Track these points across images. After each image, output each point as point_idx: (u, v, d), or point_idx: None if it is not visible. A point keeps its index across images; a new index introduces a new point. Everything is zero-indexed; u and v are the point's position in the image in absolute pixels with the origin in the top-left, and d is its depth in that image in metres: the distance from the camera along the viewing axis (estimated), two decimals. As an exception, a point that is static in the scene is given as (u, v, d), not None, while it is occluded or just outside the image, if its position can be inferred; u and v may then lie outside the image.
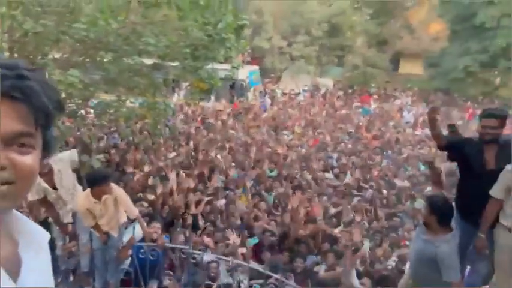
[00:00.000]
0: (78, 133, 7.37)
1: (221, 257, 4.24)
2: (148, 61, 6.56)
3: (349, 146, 9.96)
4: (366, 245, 5.00)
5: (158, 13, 6.10)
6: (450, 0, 20.35)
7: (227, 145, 8.50)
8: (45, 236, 0.79)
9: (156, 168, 6.57)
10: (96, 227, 4.01)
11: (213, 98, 12.80)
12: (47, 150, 0.70)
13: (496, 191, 2.91)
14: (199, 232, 5.13)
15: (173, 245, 4.33)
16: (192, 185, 5.95)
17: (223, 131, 9.84)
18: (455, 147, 3.25)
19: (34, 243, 0.74)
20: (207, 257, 4.32)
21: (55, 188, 4.20)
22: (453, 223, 3.01)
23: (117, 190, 4.07)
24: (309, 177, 7.33)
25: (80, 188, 4.36)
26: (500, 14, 18.17)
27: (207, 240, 4.81)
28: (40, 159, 0.68)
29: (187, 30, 5.68)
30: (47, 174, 4.02)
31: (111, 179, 4.05)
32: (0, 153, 0.61)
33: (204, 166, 6.96)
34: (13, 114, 0.62)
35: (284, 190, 6.46)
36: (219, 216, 5.63)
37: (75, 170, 4.43)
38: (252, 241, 4.96)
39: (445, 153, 3.44)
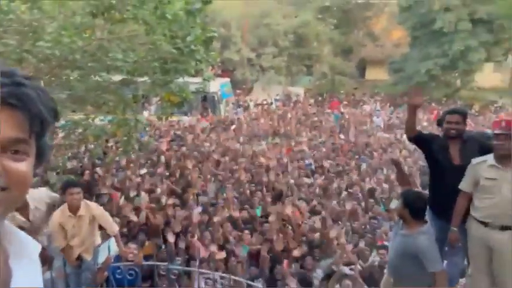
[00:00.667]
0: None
1: (204, 271, 4.16)
2: (117, 77, 6.46)
3: (324, 150, 10.11)
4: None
5: (125, 28, 6.04)
6: (410, 7, 21.24)
7: (201, 159, 8.45)
8: (36, 247, 0.77)
9: (132, 187, 6.43)
10: (66, 250, 3.84)
11: (189, 114, 12.76)
12: (40, 158, 0.70)
13: (464, 185, 3.03)
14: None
15: (151, 263, 4.21)
16: (168, 200, 5.85)
17: (197, 144, 9.80)
18: (423, 140, 3.38)
19: (25, 254, 0.72)
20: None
21: (29, 221, 4.01)
22: (428, 218, 3.10)
23: (95, 208, 3.99)
24: (292, 181, 7.37)
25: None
26: (457, 19, 19.17)
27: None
28: (33, 167, 0.68)
29: (155, 44, 5.64)
30: (22, 209, 3.84)
31: (81, 186, 3.97)
32: None
33: (177, 182, 6.90)
34: (9, 120, 0.62)
35: (264, 201, 6.47)
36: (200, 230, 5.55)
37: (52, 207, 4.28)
38: (245, 249, 4.92)
39: (418, 153, 3.57)
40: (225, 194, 6.59)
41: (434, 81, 20.84)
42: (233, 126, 12.59)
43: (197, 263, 4.45)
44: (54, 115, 0.69)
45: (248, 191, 6.93)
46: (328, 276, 4.33)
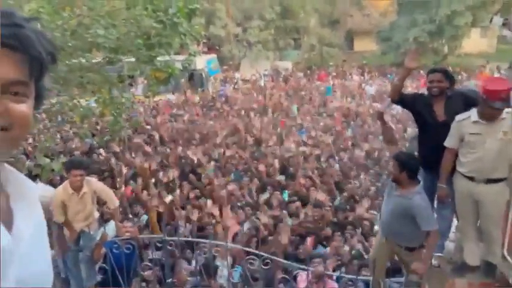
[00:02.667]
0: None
1: (202, 240, 4.22)
2: (100, 57, 6.32)
3: (321, 124, 10.16)
4: None
5: (105, 5, 5.86)
6: (395, -26, 20.93)
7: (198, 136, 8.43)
8: (35, 188, 0.79)
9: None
10: (66, 223, 3.89)
11: (175, 92, 12.64)
12: (38, 100, 0.70)
13: (449, 141, 3.09)
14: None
15: (146, 236, 4.27)
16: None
17: (191, 121, 9.80)
18: (407, 101, 3.42)
19: (25, 195, 0.74)
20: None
21: None
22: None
23: (96, 183, 4.07)
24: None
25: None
26: (443, -17, 18.95)
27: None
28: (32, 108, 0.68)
29: (137, 19, 5.50)
30: None
31: (86, 167, 3.99)
32: None
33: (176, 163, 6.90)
34: (9, 62, 0.62)
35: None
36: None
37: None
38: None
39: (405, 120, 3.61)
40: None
41: (422, 49, 20.76)
42: (219, 104, 12.50)
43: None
44: (52, 58, 0.69)
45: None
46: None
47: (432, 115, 3.24)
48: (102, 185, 4.11)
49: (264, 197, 5.98)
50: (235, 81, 17.57)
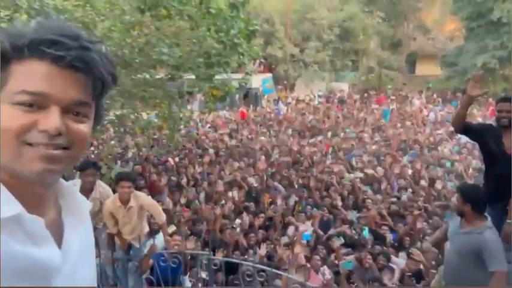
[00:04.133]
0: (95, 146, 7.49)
1: (246, 262, 4.15)
2: (163, 73, 6.65)
3: (374, 147, 9.80)
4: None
5: (171, 25, 6.18)
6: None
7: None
8: (87, 205, 0.81)
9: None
10: (118, 234, 4.04)
11: (227, 108, 12.95)
12: (97, 119, 0.73)
13: (520, 175, 2.80)
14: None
15: (193, 251, 4.29)
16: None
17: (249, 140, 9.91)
18: (473, 131, 3.18)
19: (76, 210, 0.76)
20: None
21: None
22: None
23: (144, 197, 4.17)
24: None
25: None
26: (517, 8, 17.74)
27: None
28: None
29: (199, 39, 5.73)
30: (86, 192, 4.03)
31: (135, 180, 4.14)
32: (60, 120, 0.63)
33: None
34: (74, 83, 0.65)
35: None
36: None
37: None
38: (347, 264, 4.48)
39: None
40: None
41: (491, 75, 19.46)
42: (271, 122, 12.52)
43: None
44: (113, 79, 0.71)
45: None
46: None
47: (501, 147, 3.00)
48: (150, 200, 4.21)
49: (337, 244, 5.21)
50: (289, 101, 17.58)
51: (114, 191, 4.24)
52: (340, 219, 5.90)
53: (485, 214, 2.93)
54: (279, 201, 6.38)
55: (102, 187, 4.30)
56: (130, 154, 8.04)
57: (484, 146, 3.18)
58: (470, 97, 3.09)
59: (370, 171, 7.82)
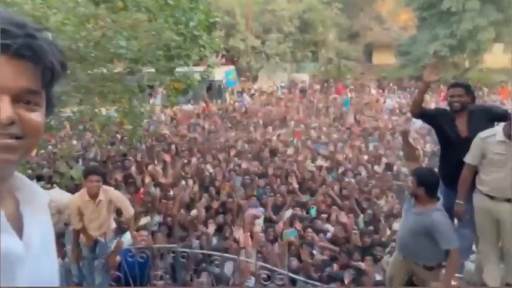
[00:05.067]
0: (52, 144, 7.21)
1: (212, 252, 4.21)
2: (121, 67, 6.48)
3: (335, 136, 10.07)
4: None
5: (127, 17, 6.03)
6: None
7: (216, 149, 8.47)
8: (45, 195, 0.79)
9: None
10: (83, 230, 3.96)
11: (192, 102, 12.81)
12: (48, 108, 0.71)
13: (469, 158, 3.02)
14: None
15: (160, 245, 4.29)
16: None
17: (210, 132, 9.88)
18: (429, 116, 3.36)
19: (34, 202, 0.75)
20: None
21: None
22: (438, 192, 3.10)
23: (113, 191, 4.11)
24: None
25: None
26: (465, -3, 18.71)
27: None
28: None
29: (158, 31, 5.64)
30: None
31: (102, 174, 4.09)
32: (11, 109, 0.62)
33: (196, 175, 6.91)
34: (22, 72, 0.63)
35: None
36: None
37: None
38: (291, 233, 4.86)
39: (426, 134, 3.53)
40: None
41: (442, 63, 20.48)
42: (237, 114, 12.56)
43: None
44: (63, 67, 0.71)
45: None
46: None
47: (455, 131, 3.17)
48: (118, 194, 4.15)
49: (288, 214, 5.81)
50: (252, 92, 17.66)
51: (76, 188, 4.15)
52: (293, 202, 6.21)
53: (438, 195, 3.09)
54: (236, 190, 6.49)
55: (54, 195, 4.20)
56: (92, 153, 7.79)
57: (439, 130, 3.33)
58: (426, 83, 3.26)
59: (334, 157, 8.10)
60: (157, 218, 5.52)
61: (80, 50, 5.33)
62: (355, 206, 6.04)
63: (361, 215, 5.94)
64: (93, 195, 3.90)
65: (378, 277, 4.27)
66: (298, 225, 5.35)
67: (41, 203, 0.77)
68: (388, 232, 5.25)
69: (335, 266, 4.58)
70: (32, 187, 0.76)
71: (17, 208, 0.71)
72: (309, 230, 5.34)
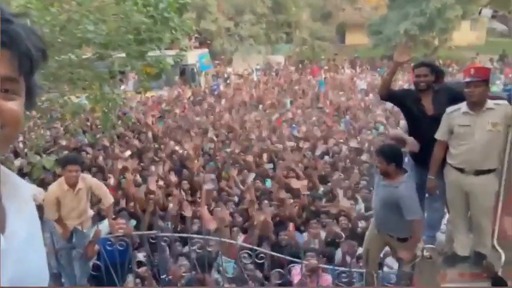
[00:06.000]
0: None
1: (193, 235, 4.23)
2: (90, 53, 6.25)
3: (314, 118, 10.16)
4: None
5: (94, 0, 5.79)
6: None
7: (192, 132, 8.44)
8: (28, 188, 0.77)
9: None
10: (59, 221, 3.88)
11: (166, 88, 12.57)
12: (30, 98, 0.69)
13: (439, 134, 3.12)
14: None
15: (140, 232, 4.26)
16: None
17: (182, 117, 9.78)
18: (395, 96, 3.44)
19: (17, 193, 0.72)
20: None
21: None
22: (407, 167, 3.21)
23: (91, 179, 4.08)
24: (284, 147, 7.47)
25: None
26: (434, -24, 18.98)
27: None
28: (24, 107, 0.67)
29: (127, 14, 5.45)
30: None
31: (81, 163, 4.00)
32: None
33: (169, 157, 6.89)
34: None
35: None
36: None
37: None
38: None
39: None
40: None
41: (412, 42, 20.84)
42: (213, 99, 12.50)
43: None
44: (43, 55, 0.68)
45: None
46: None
47: (421, 109, 3.26)
48: (97, 182, 4.11)
49: (250, 179, 6.11)
50: (227, 76, 17.50)
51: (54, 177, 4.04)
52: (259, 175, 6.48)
53: (405, 168, 3.22)
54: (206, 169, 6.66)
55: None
56: (64, 141, 7.56)
57: (406, 110, 3.40)
58: (397, 63, 3.29)
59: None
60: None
61: (46, 36, 5.08)
62: (314, 178, 6.25)
63: (321, 187, 6.17)
64: (72, 184, 3.84)
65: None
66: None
67: (24, 195, 0.74)
68: (347, 204, 5.38)
69: (291, 225, 4.85)
70: (14, 179, 0.74)
71: (0, 201, 0.69)
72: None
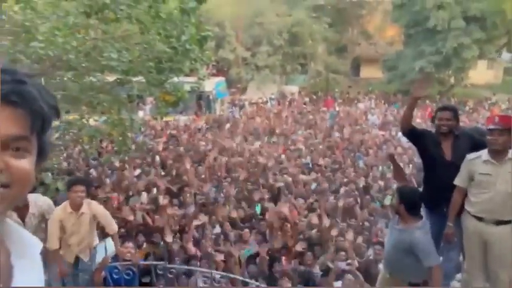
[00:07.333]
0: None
1: (202, 269, 4.16)
2: (111, 77, 6.43)
3: (320, 147, 10.13)
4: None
5: (119, 28, 6.01)
6: (403, 5, 21.32)
7: (197, 158, 8.48)
8: (38, 245, 0.77)
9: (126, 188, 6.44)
10: (64, 248, 3.83)
11: (184, 113, 12.79)
12: (41, 155, 0.70)
13: (459, 180, 3.06)
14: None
15: (148, 262, 4.21)
16: (164, 202, 5.85)
17: (192, 144, 9.85)
18: (417, 135, 3.40)
19: (27, 253, 0.72)
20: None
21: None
22: (423, 213, 3.13)
23: (97, 206, 4.00)
24: (289, 179, 7.37)
25: None
26: (450, 17, 19.28)
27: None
28: (35, 165, 0.68)
29: (149, 43, 5.62)
30: (21, 210, 3.75)
31: (87, 185, 3.98)
32: None
33: (173, 182, 6.91)
34: (10, 118, 0.62)
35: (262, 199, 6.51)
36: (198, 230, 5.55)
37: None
38: (247, 252, 4.89)
39: (413, 151, 3.57)
40: (222, 194, 6.60)
41: (429, 77, 20.94)
42: (228, 125, 12.62)
43: (198, 263, 4.46)
44: (55, 112, 0.69)
45: (246, 191, 6.92)
46: (326, 272, 4.35)
47: (440, 154, 3.22)
48: (102, 209, 4.02)
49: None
50: (242, 104, 17.73)
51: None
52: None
53: (421, 214, 3.14)
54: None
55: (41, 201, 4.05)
56: (77, 164, 7.66)
57: (424, 151, 3.36)
58: (415, 98, 3.28)
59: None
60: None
61: (71, 61, 5.27)
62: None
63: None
64: (76, 207, 3.78)
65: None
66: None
67: (33, 254, 0.74)
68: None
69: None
70: (24, 237, 0.74)
71: (8, 259, 0.68)
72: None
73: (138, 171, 7.52)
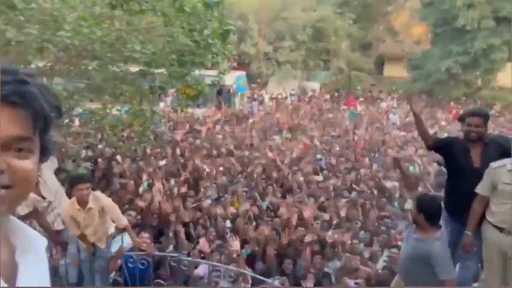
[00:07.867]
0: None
1: (214, 263, 4.20)
2: (134, 68, 6.52)
3: (337, 148, 10.02)
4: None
5: (143, 20, 6.07)
6: (432, 3, 20.75)
7: (215, 151, 8.53)
8: (43, 242, 0.78)
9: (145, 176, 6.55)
10: (82, 237, 3.95)
11: (201, 106, 12.87)
12: (44, 155, 0.70)
13: (481, 189, 2.97)
14: (194, 241, 5.12)
15: (163, 253, 4.28)
16: (181, 190, 5.92)
17: (210, 137, 9.91)
18: (442, 146, 3.32)
19: (31, 249, 0.73)
20: (200, 269, 4.31)
21: (43, 197, 4.17)
22: (442, 222, 3.06)
23: (104, 199, 4.03)
24: (301, 179, 7.34)
25: (63, 190, 4.38)
26: (480, 16, 18.64)
27: (204, 246, 4.80)
28: (38, 164, 0.68)
29: (173, 36, 5.66)
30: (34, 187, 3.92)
31: (90, 181, 4.06)
32: (0, 157, 0.61)
33: (190, 173, 6.98)
34: (12, 118, 0.62)
35: (274, 195, 6.50)
36: (210, 222, 5.60)
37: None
38: (246, 252, 4.93)
39: (432, 153, 3.51)
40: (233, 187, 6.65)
41: (454, 80, 20.38)
42: (250, 121, 12.62)
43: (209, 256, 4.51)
44: (58, 112, 0.69)
45: (260, 186, 6.94)
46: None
47: (468, 161, 3.13)
48: (110, 202, 4.02)
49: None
50: (261, 99, 17.68)
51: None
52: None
53: (440, 224, 3.05)
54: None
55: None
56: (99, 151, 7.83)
57: (451, 159, 3.27)
58: (415, 116, 3.33)
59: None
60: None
61: (96, 51, 5.36)
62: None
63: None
64: (83, 204, 3.82)
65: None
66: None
67: (38, 250, 0.75)
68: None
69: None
70: (29, 233, 0.74)
71: (13, 255, 0.69)
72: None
73: (163, 162, 7.61)
